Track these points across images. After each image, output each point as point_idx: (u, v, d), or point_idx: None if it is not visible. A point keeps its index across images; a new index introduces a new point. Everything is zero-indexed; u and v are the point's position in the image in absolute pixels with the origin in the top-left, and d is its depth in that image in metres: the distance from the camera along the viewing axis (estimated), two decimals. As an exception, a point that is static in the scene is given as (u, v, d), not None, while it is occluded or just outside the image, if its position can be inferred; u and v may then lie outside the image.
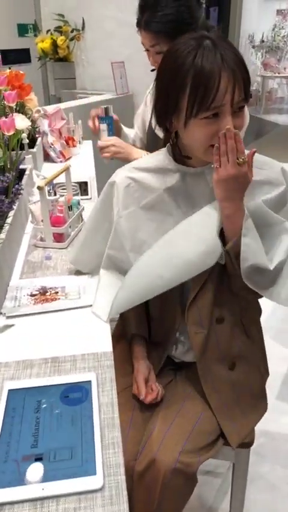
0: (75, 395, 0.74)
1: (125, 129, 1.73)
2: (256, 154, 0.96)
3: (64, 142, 2.18)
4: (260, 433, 1.65)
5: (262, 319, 1.14)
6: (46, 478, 0.60)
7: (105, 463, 0.63)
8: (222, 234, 0.91)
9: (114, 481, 0.61)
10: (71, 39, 3.78)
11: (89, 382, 0.77)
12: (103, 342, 0.88)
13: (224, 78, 0.81)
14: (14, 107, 1.60)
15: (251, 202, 0.90)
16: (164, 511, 0.94)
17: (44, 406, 0.72)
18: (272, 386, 1.88)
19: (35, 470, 0.61)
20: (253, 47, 7.62)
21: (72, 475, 0.61)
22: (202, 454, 0.95)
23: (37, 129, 1.96)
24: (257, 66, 7.81)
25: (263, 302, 1.03)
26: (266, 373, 1.13)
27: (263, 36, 7.55)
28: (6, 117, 1.02)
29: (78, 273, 1.12)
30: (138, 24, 1.36)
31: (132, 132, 1.75)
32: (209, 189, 0.93)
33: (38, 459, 0.63)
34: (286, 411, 1.78)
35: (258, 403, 1.06)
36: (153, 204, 0.97)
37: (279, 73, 7.57)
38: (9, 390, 0.75)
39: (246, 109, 1.02)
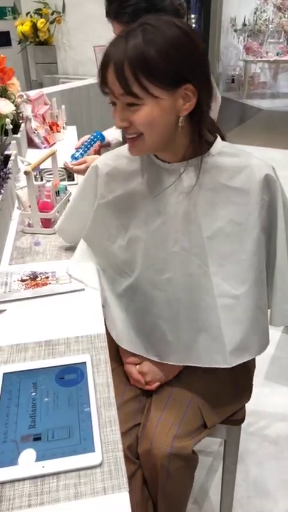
0: (71, 376, 0.75)
1: (107, 137, 1.70)
2: (237, 152, 0.89)
3: (48, 127, 2.15)
4: (250, 412, 1.67)
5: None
6: (45, 457, 0.61)
7: (103, 440, 0.64)
8: None
9: (112, 457, 0.62)
10: (52, 22, 3.70)
11: (84, 363, 0.78)
12: (96, 324, 0.89)
13: (108, 68, 0.78)
14: (-3, 91, 1.57)
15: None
16: (170, 494, 0.97)
17: (40, 388, 0.72)
18: (260, 367, 1.91)
19: (34, 449, 0.62)
20: (235, 30, 7.57)
21: (71, 452, 0.62)
22: (196, 435, 0.96)
23: (20, 115, 1.93)
24: (239, 51, 7.77)
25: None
26: (252, 366, 1.14)
27: (244, 19, 7.50)
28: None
29: (68, 257, 1.11)
30: (108, 15, 1.35)
31: (111, 134, 1.73)
32: (181, 186, 0.90)
33: (37, 439, 0.64)
34: (274, 390, 1.82)
35: (241, 393, 1.07)
36: (129, 194, 0.96)
37: (261, 57, 7.54)
38: (4, 374, 0.75)
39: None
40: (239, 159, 0.88)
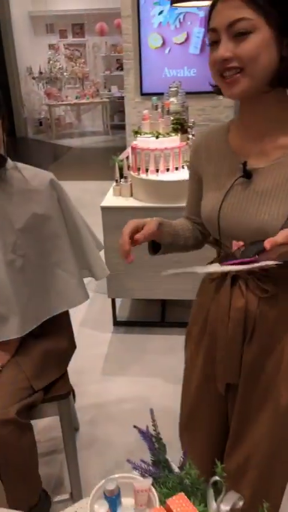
0: None
1: None
2: (27, 166, 1.19)
3: None
4: (92, 406, 1.89)
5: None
6: None
7: None
8: None
9: None
10: None
11: None
12: None
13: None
14: None
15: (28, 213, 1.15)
16: (13, 465, 1.09)
17: None
18: (96, 365, 2.16)
19: None
20: (33, 78, 8.05)
21: None
22: (20, 403, 1.12)
23: None
24: (41, 96, 8.26)
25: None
26: (71, 344, 1.38)
27: (40, 68, 8.03)
28: None
29: None
30: None
31: None
32: (4, 194, 1.13)
33: None
34: (112, 381, 2.06)
35: (62, 361, 1.32)
36: None
37: (62, 101, 8.15)
38: None
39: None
40: (30, 170, 1.19)
